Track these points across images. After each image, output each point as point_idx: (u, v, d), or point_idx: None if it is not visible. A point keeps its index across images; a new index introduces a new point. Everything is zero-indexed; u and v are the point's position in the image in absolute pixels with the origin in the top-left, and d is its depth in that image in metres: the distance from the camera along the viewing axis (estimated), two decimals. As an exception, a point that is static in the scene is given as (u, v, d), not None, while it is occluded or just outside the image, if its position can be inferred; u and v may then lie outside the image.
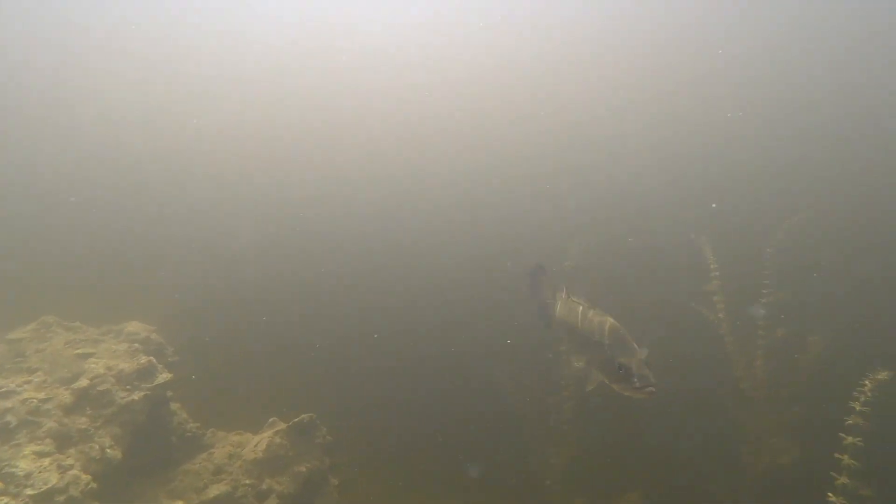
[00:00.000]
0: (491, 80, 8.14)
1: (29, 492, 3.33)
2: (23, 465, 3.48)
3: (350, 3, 8.56)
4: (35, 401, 4.03)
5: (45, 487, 3.33)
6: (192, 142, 7.87)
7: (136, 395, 4.61)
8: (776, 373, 5.69)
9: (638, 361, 2.75)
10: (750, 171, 6.47)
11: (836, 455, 3.78)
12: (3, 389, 4.10)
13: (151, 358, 5.06)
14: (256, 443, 5.34)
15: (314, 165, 7.68)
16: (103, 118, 7.96)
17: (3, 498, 3.25)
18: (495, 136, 7.68)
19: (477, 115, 8.15)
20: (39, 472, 3.42)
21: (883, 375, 3.63)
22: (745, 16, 7.75)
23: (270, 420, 5.97)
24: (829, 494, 3.82)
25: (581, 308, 3.27)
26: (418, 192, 7.34)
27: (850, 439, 3.71)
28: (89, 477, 3.59)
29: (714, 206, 6.10)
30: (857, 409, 3.68)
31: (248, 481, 4.93)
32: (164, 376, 4.98)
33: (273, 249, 7.48)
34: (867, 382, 3.68)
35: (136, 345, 5.41)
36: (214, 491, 4.73)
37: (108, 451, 4.07)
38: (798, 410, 5.79)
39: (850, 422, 3.69)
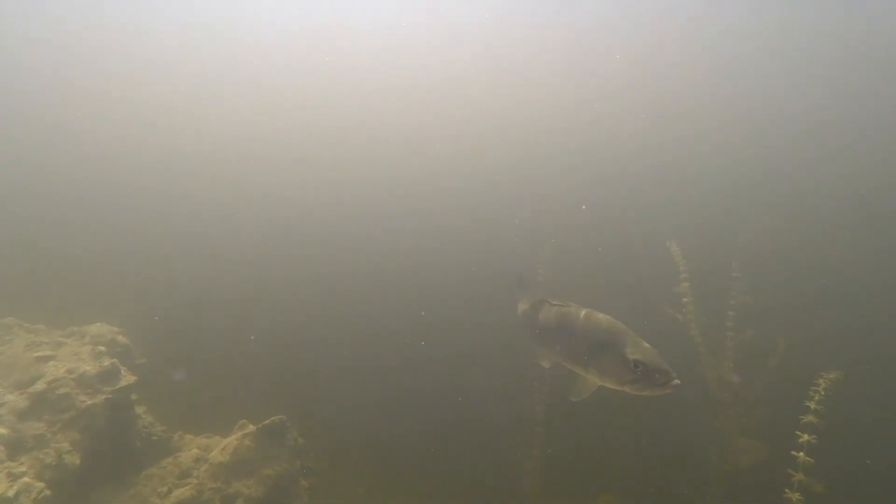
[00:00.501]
0: (469, 82, 8.19)
1: (-26, 501, 3.22)
2: (-30, 474, 3.37)
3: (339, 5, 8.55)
4: (-13, 406, 3.91)
5: (-9, 496, 3.23)
6: (165, 139, 7.76)
7: (98, 399, 4.50)
8: (744, 374, 5.80)
9: (653, 356, 2.55)
10: (719, 176, 6.61)
11: (793, 453, 3.86)
12: (-45, 394, 3.99)
13: (115, 360, 4.95)
14: (224, 446, 5.25)
15: (289, 164, 7.64)
16: (74, 113, 7.81)
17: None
18: (471, 139, 7.74)
19: (454, 117, 8.19)
20: (-13, 481, 3.31)
21: (835, 375, 3.73)
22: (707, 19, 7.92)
23: (240, 422, 5.87)
24: (787, 491, 3.92)
25: (572, 309, 3.03)
26: (392, 193, 7.34)
27: (805, 437, 3.79)
28: (42, 484, 3.49)
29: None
30: (812, 407, 3.77)
31: (214, 485, 4.84)
32: (128, 379, 4.88)
33: (248, 250, 7.41)
34: (821, 382, 3.77)
35: (101, 347, 5.28)
36: (178, 495, 4.64)
37: (66, 457, 3.97)
38: (765, 410, 5.91)
39: (805, 420, 3.78)
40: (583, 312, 2.95)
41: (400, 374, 6.86)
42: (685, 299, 5.57)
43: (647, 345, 2.64)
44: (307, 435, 6.26)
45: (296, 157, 7.66)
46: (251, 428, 5.74)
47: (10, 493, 3.19)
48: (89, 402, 4.39)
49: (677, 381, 2.44)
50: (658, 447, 6.45)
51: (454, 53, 8.30)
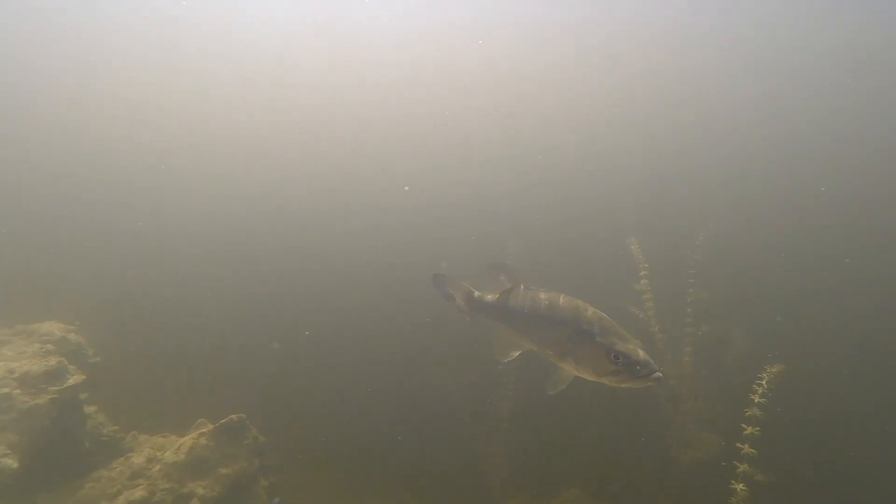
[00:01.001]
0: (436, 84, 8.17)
1: None
2: None
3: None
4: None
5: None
6: (119, 132, 7.53)
7: (42, 399, 4.34)
8: (702, 368, 5.94)
9: (635, 348, 2.45)
10: (677, 174, 6.75)
11: (738, 444, 3.97)
12: None
13: (62, 359, 4.78)
14: (179, 445, 5.13)
15: (249, 159, 7.50)
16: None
17: None
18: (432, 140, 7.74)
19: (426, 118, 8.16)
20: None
21: (776, 369, 3.84)
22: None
23: (198, 421, 5.75)
24: (732, 482, 4.03)
25: (550, 295, 2.87)
26: (355, 189, 7.28)
27: (749, 430, 3.89)
28: (-25, 487, 3.35)
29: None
30: (756, 400, 3.87)
31: (167, 485, 4.72)
32: (76, 378, 4.71)
33: (209, 246, 7.25)
34: (764, 376, 3.87)
35: (49, 345, 5.11)
36: (129, 497, 4.50)
37: (4, 460, 3.82)
38: (722, 404, 6.07)
39: (749, 413, 3.88)
40: (562, 299, 2.82)
41: (366, 372, 6.81)
42: (645, 296, 5.67)
43: (629, 336, 2.57)
44: (269, 433, 6.18)
45: (255, 153, 7.53)
46: (209, 427, 5.64)
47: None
48: (32, 403, 4.22)
49: (659, 374, 2.38)
50: (621, 441, 6.54)
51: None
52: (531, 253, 6.07)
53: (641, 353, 2.43)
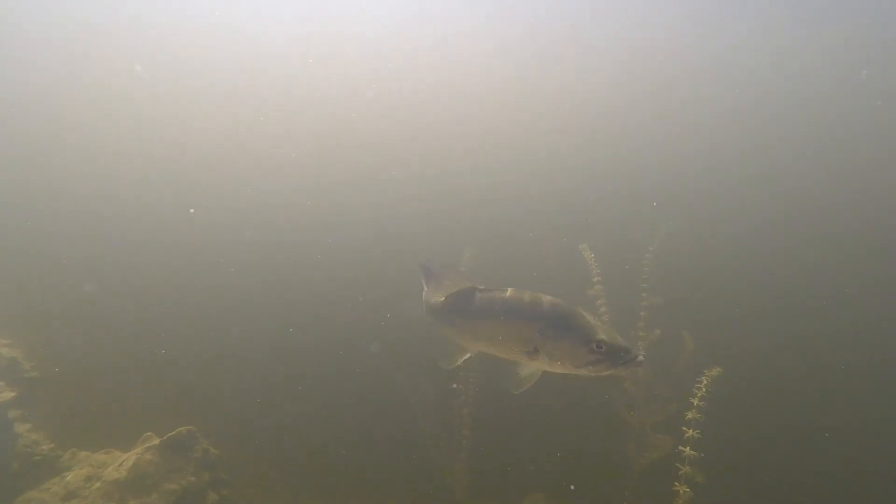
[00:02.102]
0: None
1: None
2: None
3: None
4: None
5: None
6: (56, 132, 7.24)
7: (-35, 417, 4.10)
8: (656, 371, 6.05)
9: (614, 335, 2.43)
10: (628, 178, 6.90)
11: (679, 447, 4.04)
12: None
13: (-9, 374, 4.54)
14: (122, 462, 4.93)
15: (194, 163, 7.33)
16: None
17: None
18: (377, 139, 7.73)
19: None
20: None
21: (716, 372, 3.93)
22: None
23: (145, 435, 5.55)
24: (675, 484, 4.11)
25: (511, 293, 2.76)
26: (298, 195, 7.20)
27: (690, 432, 3.97)
28: None
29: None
30: (696, 403, 3.95)
31: (105, 505, 4.53)
32: (5, 395, 4.48)
33: (156, 254, 7.02)
34: (703, 379, 3.96)
35: (-21, 360, 4.84)
36: (62, 518, 4.31)
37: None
38: (675, 406, 6.20)
39: (689, 416, 3.96)
40: (527, 295, 2.72)
41: (322, 382, 6.70)
42: (598, 301, 5.75)
43: (601, 324, 2.53)
44: (224, 445, 6.02)
45: (201, 157, 7.36)
46: (156, 441, 5.44)
47: None
48: (-47, 421, 3.98)
49: (641, 358, 2.36)
50: (580, 444, 6.60)
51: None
52: (487, 260, 6.09)
53: (621, 340, 2.42)
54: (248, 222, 7.22)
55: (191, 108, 8.24)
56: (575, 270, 5.45)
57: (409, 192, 7.17)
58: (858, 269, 6.49)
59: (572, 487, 6.23)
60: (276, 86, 8.18)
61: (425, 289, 3.39)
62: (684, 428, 4.03)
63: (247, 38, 8.26)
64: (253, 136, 8.00)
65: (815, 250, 6.68)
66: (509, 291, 2.79)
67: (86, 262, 6.76)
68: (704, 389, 3.94)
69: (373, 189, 7.27)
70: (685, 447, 4.00)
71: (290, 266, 7.12)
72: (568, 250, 5.54)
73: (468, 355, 2.96)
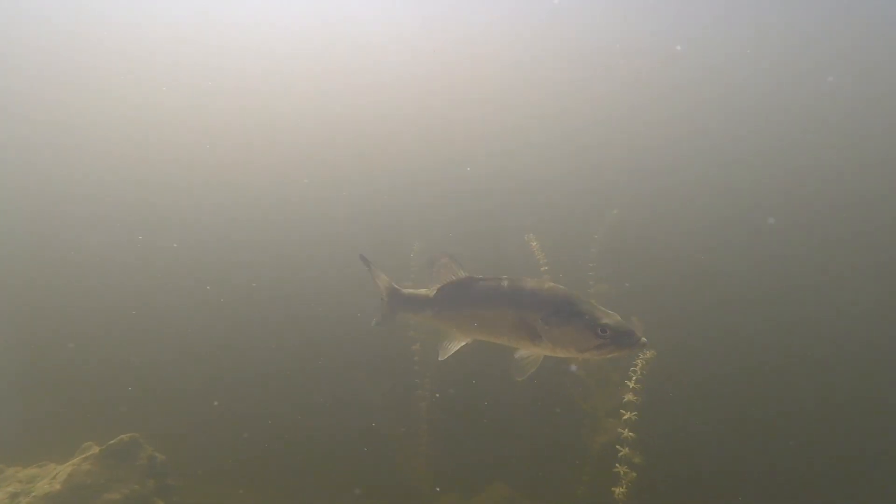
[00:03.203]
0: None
1: None
2: None
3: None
4: None
5: None
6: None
7: None
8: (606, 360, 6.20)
9: (617, 319, 2.49)
10: (573, 169, 7.03)
11: (619, 430, 4.15)
12: None
13: None
14: (56, 474, 4.71)
15: (150, 163, 7.06)
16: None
17: None
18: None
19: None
20: None
21: (650, 354, 4.06)
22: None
23: (84, 445, 5.34)
24: (617, 465, 4.24)
25: (506, 282, 2.80)
26: (251, 194, 7.04)
27: (627, 415, 4.09)
28: None
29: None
30: (631, 386, 4.07)
31: (36, 520, 4.32)
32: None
33: (99, 251, 6.73)
34: (638, 362, 4.08)
35: None
36: (-13, 538, 4.08)
37: None
38: (635, 394, 6.38)
39: (626, 399, 4.07)
40: (527, 283, 2.76)
41: (277, 382, 6.59)
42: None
43: (604, 308, 2.59)
44: (171, 451, 5.84)
45: (154, 155, 7.11)
46: (95, 450, 5.23)
47: None
48: None
49: (645, 340, 2.43)
50: (536, 431, 6.72)
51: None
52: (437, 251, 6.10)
53: (624, 323, 2.48)
54: (195, 223, 7.02)
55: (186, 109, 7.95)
56: (529, 261, 5.51)
57: (359, 190, 7.12)
58: (808, 261, 6.78)
59: (529, 473, 6.34)
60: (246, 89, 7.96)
61: (381, 281, 3.33)
62: (622, 411, 4.15)
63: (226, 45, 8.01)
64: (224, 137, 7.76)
65: (767, 242, 6.94)
66: (508, 280, 2.83)
67: (23, 267, 6.43)
68: (639, 373, 4.05)
69: (325, 187, 7.18)
70: (624, 430, 4.12)
71: (241, 268, 6.96)
72: (521, 245, 5.60)
73: (463, 344, 2.97)
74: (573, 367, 6.16)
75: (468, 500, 6.38)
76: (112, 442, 5.07)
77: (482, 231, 6.49)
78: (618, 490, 4.19)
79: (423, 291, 3.19)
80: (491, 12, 7.92)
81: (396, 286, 3.26)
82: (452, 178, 7.08)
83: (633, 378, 4.03)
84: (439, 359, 2.99)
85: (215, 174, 7.33)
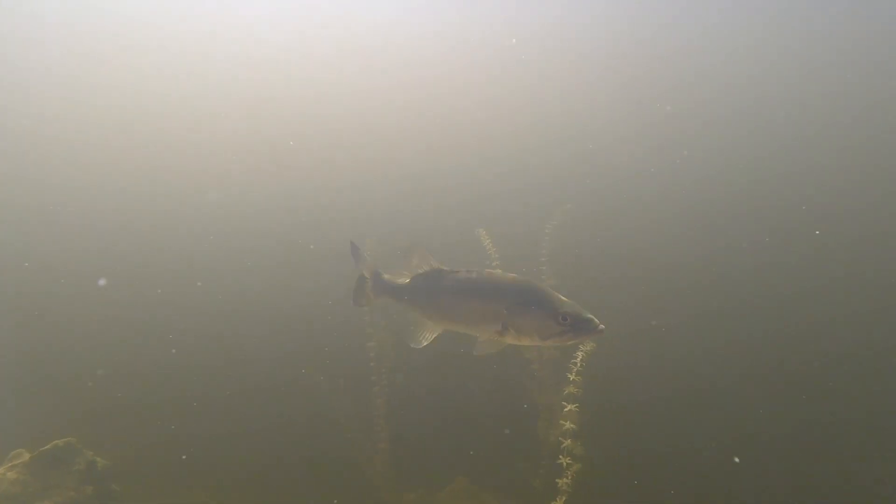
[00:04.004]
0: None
1: None
2: None
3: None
4: None
5: None
6: None
7: None
8: (560, 354, 6.28)
9: (577, 307, 2.61)
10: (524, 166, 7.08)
11: (561, 421, 4.20)
12: None
13: None
14: (-21, 485, 4.48)
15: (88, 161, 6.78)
16: None
17: None
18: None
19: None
20: None
21: (590, 346, 4.12)
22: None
23: (14, 452, 5.08)
24: (560, 456, 4.30)
25: (474, 274, 2.96)
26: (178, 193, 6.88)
27: (569, 407, 4.13)
28: None
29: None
30: (572, 378, 4.12)
31: (-45, 535, 4.09)
32: None
33: (45, 249, 6.45)
34: (579, 354, 4.13)
35: None
36: None
37: None
38: (576, 386, 6.48)
39: (567, 391, 4.12)
40: (491, 275, 2.93)
41: (230, 375, 6.43)
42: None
43: (564, 298, 2.70)
44: (113, 455, 5.64)
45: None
46: (26, 457, 5.00)
47: None
48: None
49: (602, 327, 2.56)
50: (494, 425, 6.76)
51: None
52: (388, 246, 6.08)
53: (584, 311, 2.62)
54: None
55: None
56: (480, 257, 5.52)
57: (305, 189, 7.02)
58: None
59: (488, 466, 6.38)
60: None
61: (364, 267, 3.41)
62: (563, 403, 4.20)
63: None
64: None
65: (721, 234, 7.10)
66: (476, 272, 2.99)
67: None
68: (580, 364, 4.10)
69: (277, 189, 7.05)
70: (565, 421, 4.17)
71: (190, 275, 6.79)
72: (473, 240, 5.61)
73: (437, 334, 3.10)
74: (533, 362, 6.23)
75: (432, 496, 6.38)
76: (45, 448, 4.86)
77: (432, 227, 6.49)
78: (562, 481, 4.25)
79: (401, 280, 3.33)
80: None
81: (380, 271, 3.39)
82: (405, 174, 7.05)
83: (574, 371, 4.08)
84: (412, 346, 3.14)
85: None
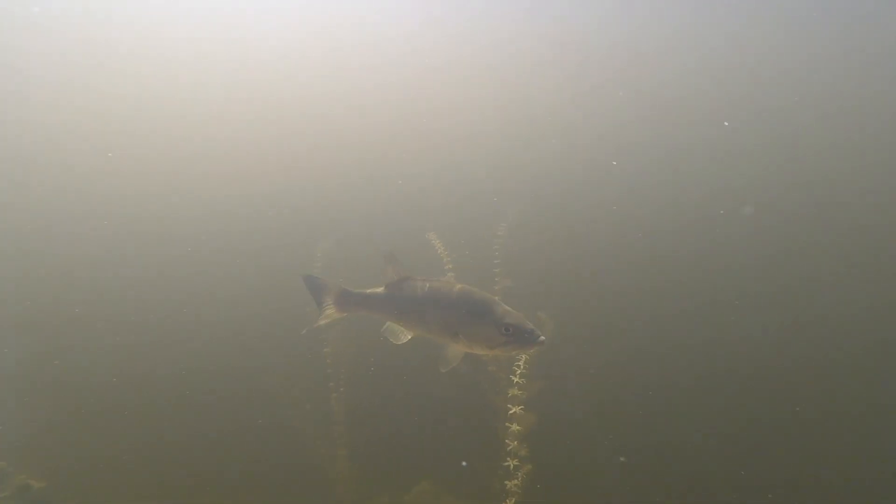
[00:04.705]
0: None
1: None
2: None
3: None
4: None
5: None
6: None
7: None
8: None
9: (520, 319, 2.75)
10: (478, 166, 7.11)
11: (507, 424, 4.24)
12: None
13: None
14: None
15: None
16: None
17: None
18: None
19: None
20: None
21: (535, 349, 4.15)
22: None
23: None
24: (508, 459, 4.34)
25: (443, 283, 3.11)
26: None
27: (514, 409, 4.17)
28: None
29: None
30: (516, 380, 4.16)
31: None
32: None
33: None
34: (524, 356, 4.17)
35: None
36: None
37: None
38: (539, 384, 6.54)
39: (511, 393, 4.15)
40: (457, 286, 3.06)
41: (189, 384, 6.24)
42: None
43: (512, 310, 2.84)
44: (55, 478, 5.38)
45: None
46: (-49, 487, 4.71)
47: None
48: None
49: (543, 338, 2.70)
50: (455, 427, 6.76)
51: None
52: (343, 252, 6.01)
53: (527, 323, 2.77)
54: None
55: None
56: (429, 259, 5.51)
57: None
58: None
59: (451, 468, 6.38)
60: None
61: (334, 291, 3.44)
62: (508, 405, 4.23)
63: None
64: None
65: (682, 233, 7.23)
66: (435, 282, 3.15)
67: None
68: (523, 366, 4.15)
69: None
70: (511, 424, 4.21)
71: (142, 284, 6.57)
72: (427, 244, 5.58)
73: (409, 338, 3.29)
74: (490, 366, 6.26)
75: (398, 499, 6.34)
76: (-29, 476, 4.58)
77: (391, 232, 6.46)
78: (510, 483, 4.29)
79: (372, 290, 3.45)
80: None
81: (347, 288, 3.47)
82: (363, 176, 6.99)
83: (518, 373, 4.12)
84: (393, 342, 3.28)
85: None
